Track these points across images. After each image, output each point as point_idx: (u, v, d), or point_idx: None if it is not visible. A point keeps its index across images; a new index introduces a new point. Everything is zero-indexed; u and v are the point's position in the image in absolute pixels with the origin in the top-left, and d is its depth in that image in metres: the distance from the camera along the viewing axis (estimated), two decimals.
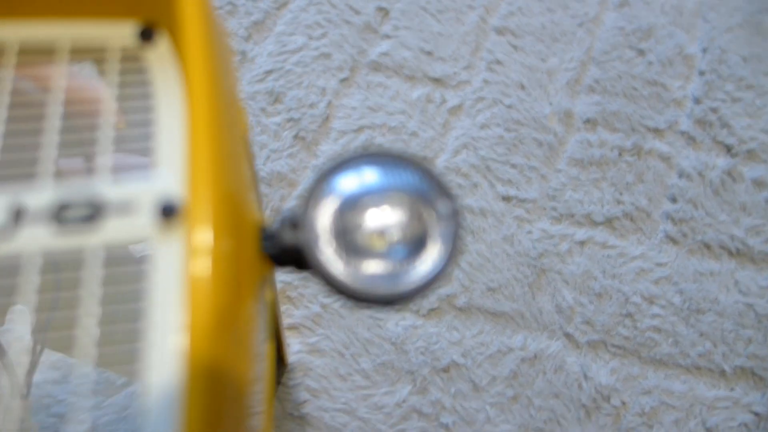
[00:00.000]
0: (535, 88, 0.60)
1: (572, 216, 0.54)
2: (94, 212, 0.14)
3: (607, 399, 0.47)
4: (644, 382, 0.48)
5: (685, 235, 0.53)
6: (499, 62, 0.61)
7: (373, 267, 0.15)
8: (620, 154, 0.57)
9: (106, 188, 0.14)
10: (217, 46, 0.15)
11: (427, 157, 0.54)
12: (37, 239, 0.14)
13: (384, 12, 0.63)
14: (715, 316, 0.50)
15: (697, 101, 0.60)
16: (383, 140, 0.54)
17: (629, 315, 0.50)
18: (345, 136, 0.56)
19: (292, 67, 0.59)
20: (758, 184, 0.56)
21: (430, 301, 0.49)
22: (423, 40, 0.62)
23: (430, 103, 0.58)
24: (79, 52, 0.16)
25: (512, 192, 0.54)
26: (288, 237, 0.15)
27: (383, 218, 0.15)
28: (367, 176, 0.16)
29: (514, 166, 0.56)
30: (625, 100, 0.60)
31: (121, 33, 0.16)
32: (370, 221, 0.15)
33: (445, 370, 0.47)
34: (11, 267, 0.13)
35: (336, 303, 0.48)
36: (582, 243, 0.53)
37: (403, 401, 0.45)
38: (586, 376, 0.48)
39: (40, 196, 0.14)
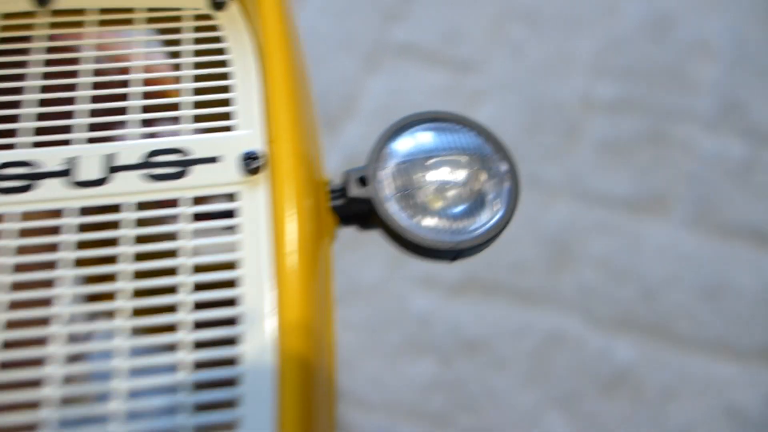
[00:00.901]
0: (556, 72, 0.61)
1: (593, 197, 0.55)
2: (181, 161, 0.15)
3: (626, 375, 0.48)
4: (663, 360, 0.49)
5: (704, 219, 0.54)
6: (520, 46, 0.62)
7: (433, 223, 0.16)
8: (641, 138, 0.58)
9: (192, 141, 0.15)
10: (287, 13, 0.16)
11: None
12: (129, 187, 0.15)
13: None
14: (732, 298, 0.51)
15: (717, 88, 0.61)
16: None
17: (649, 295, 0.51)
18: (369, 119, 0.57)
19: (317, 50, 0.60)
20: None
21: (455, 278, 0.50)
22: (446, 25, 0.63)
23: (452, 86, 0.59)
24: (156, 20, 0.18)
25: (535, 173, 0.55)
26: (356, 192, 0.16)
27: (442, 177, 0.16)
28: (429, 138, 0.17)
29: (536, 148, 0.57)
30: (646, 85, 0.61)
31: (195, 2, 0.18)
32: (430, 180, 0.16)
33: (469, 344, 0.48)
34: (105, 217, 0.15)
35: (364, 278, 0.49)
36: (603, 224, 0.54)
37: (428, 373, 0.47)
38: (605, 353, 0.49)
39: (132, 148, 0.15)
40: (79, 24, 0.17)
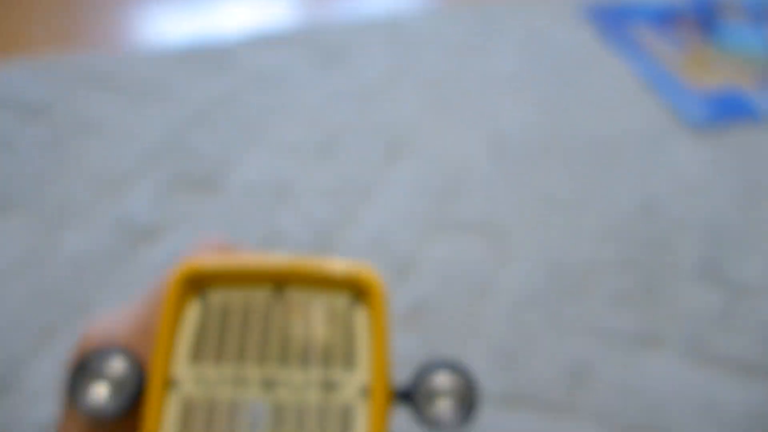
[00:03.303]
0: (568, 241, 0.80)
1: (604, 334, 0.71)
2: (332, 385, 0.29)
3: None
4: None
5: (694, 352, 0.69)
6: (539, 223, 0.83)
7: (435, 414, 0.28)
8: (638, 290, 0.75)
9: (339, 374, 0.29)
10: (387, 316, 0.30)
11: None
12: (309, 398, 0.29)
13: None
14: (723, 414, 0.64)
15: (696, 252, 0.78)
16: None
17: (653, 410, 0.65)
18: (429, 277, 0.76)
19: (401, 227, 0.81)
20: None
21: (488, 391, 0.65)
22: (482, 206, 0.84)
23: (484, 252, 0.79)
24: (323, 308, 0.31)
25: (557, 314, 0.72)
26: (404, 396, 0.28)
27: (443, 387, 0.28)
28: (437, 370, 0.29)
29: (557, 295, 0.74)
30: (640, 250, 0.79)
31: (345, 299, 0.31)
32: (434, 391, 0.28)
33: None
34: None
35: None
36: (612, 354, 0.69)
37: None
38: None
39: (311, 374, 0.30)
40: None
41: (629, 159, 0.92)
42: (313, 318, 0.33)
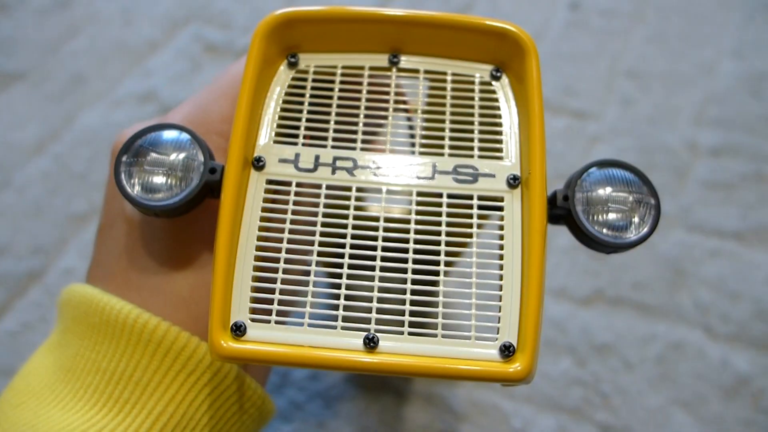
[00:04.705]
0: (662, 121, 0.69)
1: (703, 229, 0.61)
2: (474, 173, 0.24)
3: (746, 384, 0.53)
4: None
5: None
6: (629, 100, 0.71)
7: (602, 229, 0.25)
8: (744, 179, 0.65)
9: (480, 162, 0.26)
10: (540, 85, 0.26)
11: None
12: (445, 183, 0.25)
13: None
14: None
15: None
16: None
17: (761, 314, 0.57)
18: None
19: None
20: None
21: (584, 292, 0.57)
22: (564, 81, 0.72)
23: (573, 131, 0.68)
24: (454, 80, 0.28)
25: None
26: (561, 203, 0.25)
27: (612, 201, 0.25)
28: (607, 174, 0.26)
29: None
30: (745, 133, 0.68)
31: (482, 70, 0.28)
32: (604, 200, 0.25)
33: (600, 348, 0.54)
34: (432, 199, 0.24)
35: None
36: (713, 251, 0.60)
37: (566, 371, 0.53)
38: (724, 363, 0.54)
39: (447, 161, 0.25)
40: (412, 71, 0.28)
41: (732, 26, 0.78)
42: (443, 94, 0.26)
